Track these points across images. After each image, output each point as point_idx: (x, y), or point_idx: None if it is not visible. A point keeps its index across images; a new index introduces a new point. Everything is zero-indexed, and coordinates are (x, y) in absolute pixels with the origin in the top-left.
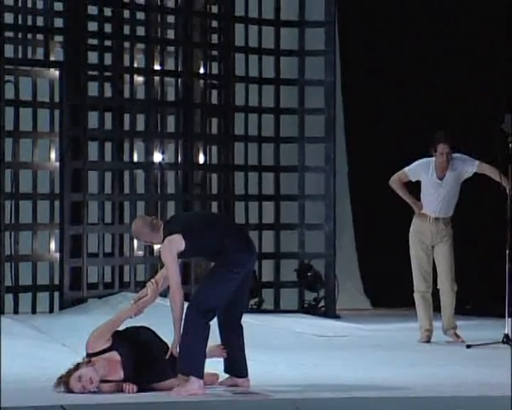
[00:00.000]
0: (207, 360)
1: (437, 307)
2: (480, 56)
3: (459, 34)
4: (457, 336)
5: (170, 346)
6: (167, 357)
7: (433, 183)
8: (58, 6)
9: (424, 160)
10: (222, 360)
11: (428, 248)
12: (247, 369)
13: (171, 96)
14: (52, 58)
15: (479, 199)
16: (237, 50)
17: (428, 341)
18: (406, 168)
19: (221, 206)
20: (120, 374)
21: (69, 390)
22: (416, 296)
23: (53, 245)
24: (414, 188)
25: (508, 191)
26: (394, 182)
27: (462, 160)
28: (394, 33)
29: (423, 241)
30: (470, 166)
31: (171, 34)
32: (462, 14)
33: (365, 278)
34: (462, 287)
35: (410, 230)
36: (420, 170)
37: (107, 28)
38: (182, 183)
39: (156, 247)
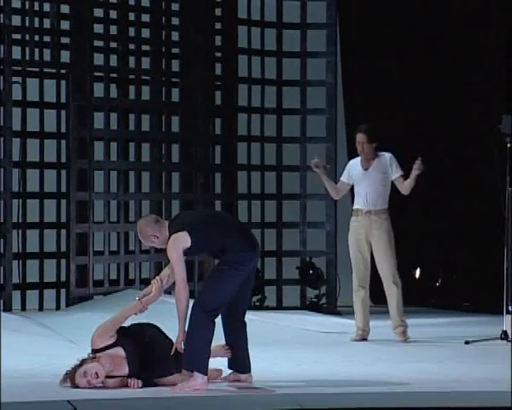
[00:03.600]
0: (211, 359)
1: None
2: (479, 57)
3: (459, 35)
4: (403, 334)
5: (174, 342)
6: (172, 353)
7: (360, 174)
8: (65, 8)
9: (351, 160)
10: None
11: (365, 244)
12: (250, 365)
13: (175, 98)
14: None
15: (476, 196)
16: (240, 52)
17: (363, 339)
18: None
19: (224, 205)
20: (125, 370)
21: (75, 386)
22: (354, 296)
23: (59, 243)
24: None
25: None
26: (335, 192)
27: (390, 160)
28: (395, 35)
29: (359, 237)
30: (393, 171)
31: (175, 36)
32: (461, 16)
33: None
34: (461, 284)
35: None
36: (348, 168)
37: (113, 30)
38: (186, 182)
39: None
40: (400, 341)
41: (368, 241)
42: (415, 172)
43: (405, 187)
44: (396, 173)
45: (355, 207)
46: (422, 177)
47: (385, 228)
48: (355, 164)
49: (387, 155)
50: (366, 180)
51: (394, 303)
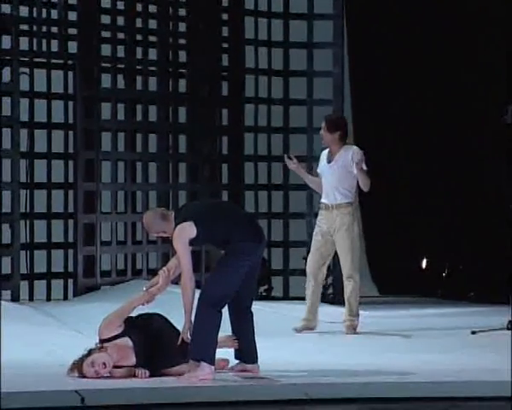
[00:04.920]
0: (218, 350)
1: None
2: (484, 48)
3: (463, 25)
4: (349, 328)
5: (181, 332)
6: (178, 343)
7: (324, 167)
8: None
9: (324, 150)
10: None
11: (326, 238)
12: (256, 355)
13: (182, 88)
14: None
15: (483, 187)
16: (247, 43)
17: (306, 329)
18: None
19: (231, 195)
20: (132, 360)
21: (82, 376)
22: (306, 284)
23: (67, 234)
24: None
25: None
26: (316, 185)
27: (354, 153)
28: (402, 25)
29: (321, 230)
30: (354, 166)
31: (182, 27)
32: (466, 5)
33: (372, 265)
34: (467, 274)
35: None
36: (320, 162)
37: (120, 21)
38: (193, 173)
39: None
40: (346, 333)
41: (329, 234)
42: (356, 167)
43: (361, 184)
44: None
45: (321, 200)
46: (430, 168)
47: (346, 222)
48: (323, 155)
49: (353, 148)
50: (329, 174)
51: (346, 297)
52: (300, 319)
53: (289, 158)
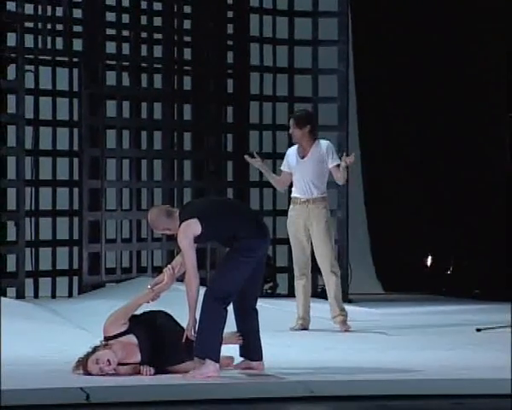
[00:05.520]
0: (223, 347)
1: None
2: (492, 43)
3: (471, 21)
4: (343, 324)
5: (185, 330)
6: (183, 341)
7: (297, 163)
8: None
9: (290, 148)
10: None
11: (303, 232)
12: (261, 352)
13: (187, 86)
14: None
15: (489, 184)
16: (252, 40)
17: (303, 329)
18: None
19: (236, 192)
20: (137, 357)
21: (87, 373)
22: (295, 283)
23: (72, 231)
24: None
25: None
26: (279, 183)
27: (327, 148)
28: (407, 22)
29: (297, 226)
30: (329, 160)
31: (187, 24)
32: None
33: (377, 263)
34: (472, 271)
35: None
36: (286, 157)
37: (125, 19)
38: (198, 170)
39: None
40: (341, 330)
41: (306, 229)
42: (343, 164)
43: (339, 178)
44: (332, 162)
45: (293, 195)
46: (435, 165)
47: (323, 217)
48: (292, 152)
49: (325, 143)
50: (303, 169)
51: (332, 293)
52: (297, 319)
53: (252, 156)
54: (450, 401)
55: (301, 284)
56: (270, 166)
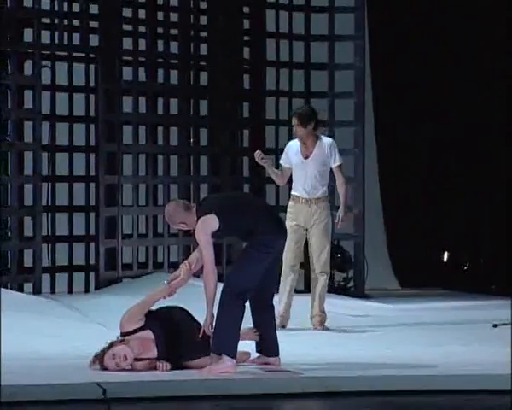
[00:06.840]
0: (239, 342)
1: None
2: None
3: (483, 17)
4: (321, 324)
5: (202, 325)
6: (200, 336)
7: (300, 162)
8: None
9: (290, 142)
10: None
11: (302, 231)
12: (278, 348)
13: (203, 81)
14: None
15: (504, 180)
16: (268, 36)
17: (282, 327)
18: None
19: (252, 188)
20: (154, 352)
21: (104, 368)
22: (282, 280)
23: (89, 226)
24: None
25: (339, 214)
26: (280, 178)
27: (330, 147)
28: (423, 17)
29: (297, 223)
30: (333, 160)
31: (203, 20)
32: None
33: (394, 258)
34: (488, 267)
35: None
36: (286, 152)
37: (142, 14)
38: (214, 166)
39: None
40: (316, 329)
41: (305, 228)
42: (341, 214)
43: (340, 184)
44: (335, 162)
45: (294, 193)
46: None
47: (324, 217)
48: (293, 147)
49: (328, 141)
50: (306, 169)
51: (317, 292)
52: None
53: (261, 157)
54: (464, 398)
55: (289, 281)
56: None
